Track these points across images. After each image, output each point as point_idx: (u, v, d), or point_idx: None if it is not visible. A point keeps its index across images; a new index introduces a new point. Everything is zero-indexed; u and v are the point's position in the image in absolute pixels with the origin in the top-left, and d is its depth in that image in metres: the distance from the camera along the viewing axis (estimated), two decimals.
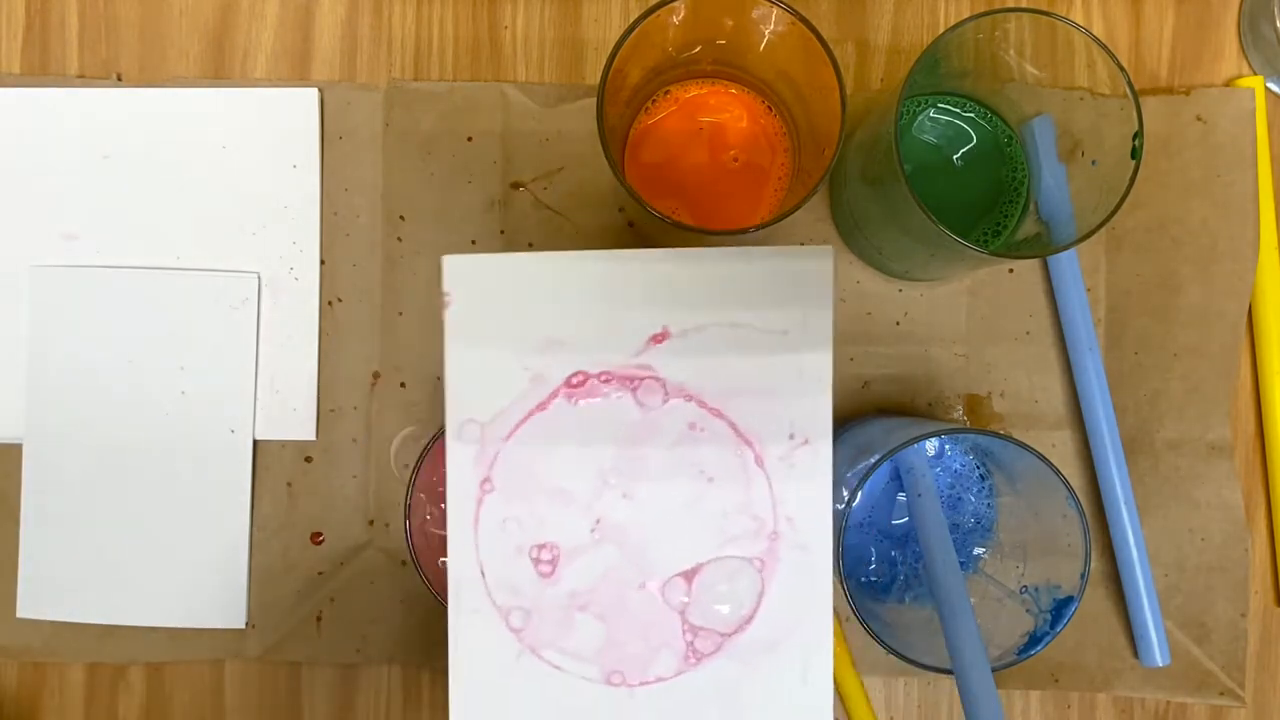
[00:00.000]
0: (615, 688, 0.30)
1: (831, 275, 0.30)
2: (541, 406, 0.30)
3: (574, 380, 0.30)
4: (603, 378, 0.30)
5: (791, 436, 0.30)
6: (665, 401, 0.30)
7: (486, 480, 0.30)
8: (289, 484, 0.44)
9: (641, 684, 0.30)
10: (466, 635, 0.30)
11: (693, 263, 0.30)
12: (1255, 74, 0.45)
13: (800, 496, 0.30)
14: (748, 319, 0.30)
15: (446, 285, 0.30)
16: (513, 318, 0.30)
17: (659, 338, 0.30)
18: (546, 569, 0.30)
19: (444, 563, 0.36)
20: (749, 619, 0.30)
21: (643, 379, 0.30)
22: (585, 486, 0.30)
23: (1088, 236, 0.34)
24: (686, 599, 0.30)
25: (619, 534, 0.30)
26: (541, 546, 0.30)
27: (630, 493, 0.30)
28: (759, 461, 0.30)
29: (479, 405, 0.30)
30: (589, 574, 0.30)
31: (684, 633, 0.30)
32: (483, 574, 0.30)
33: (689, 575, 0.30)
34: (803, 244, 0.44)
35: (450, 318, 0.30)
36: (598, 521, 0.30)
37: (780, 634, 0.30)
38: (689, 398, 0.30)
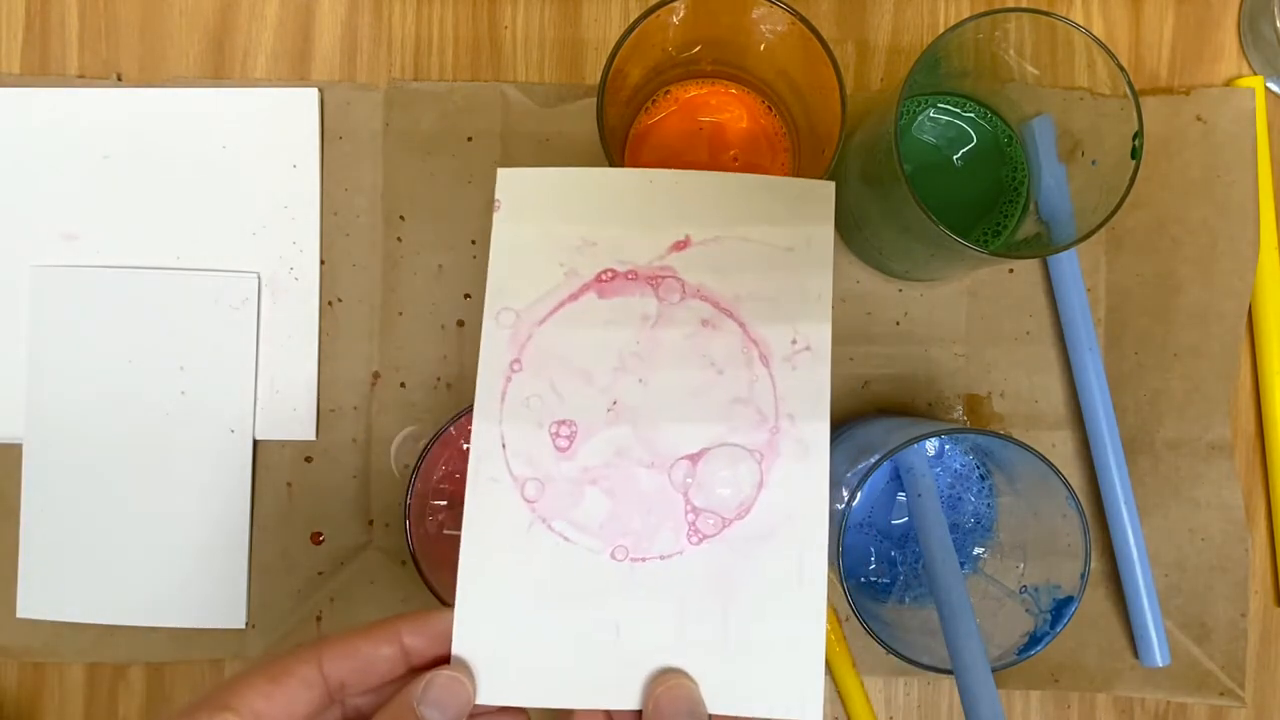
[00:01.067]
0: (619, 562, 0.32)
1: (832, 201, 0.33)
2: (573, 297, 0.33)
3: (604, 276, 0.33)
4: (629, 275, 0.33)
5: (794, 341, 0.33)
6: (682, 299, 0.33)
7: (516, 361, 0.33)
8: (289, 484, 0.44)
9: (644, 559, 0.32)
10: (483, 501, 0.31)
11: (714, 182, 0.34)
12: (1255, 74, 0.45)
13: (801, 395, 0.33)
14: (759, 234, 0.34)
15: (498, 193, 0.34)
16: (553, 221, 0.33)
17: (681, 245, 0.33)
18: (564, 444, 0.32)
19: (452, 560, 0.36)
20: (748, 507, 0.32)
21: (664, 278, 0.33)
22: (605, 370, 0.33)
23: (1088, 236, 0.34)
24: (691, 480, 0.32)
25: (632, 415, 0.32)
26: (561, 423, 0.32)
27: (646, 378, 0.33)
28: (764, 360, 0.33)
29: (516, 294, 0.33)
30: (602, 451, 0.32)
31: (686, 513, 0.32)
32: (504, 445, 0.32)
33: (694, 458, 0.32)
34: None
35: (498, 220, 0.34)
36: (614, 403, 0.32)
37: (777, 524, 0.32)
38: (704, 298, 0.33)
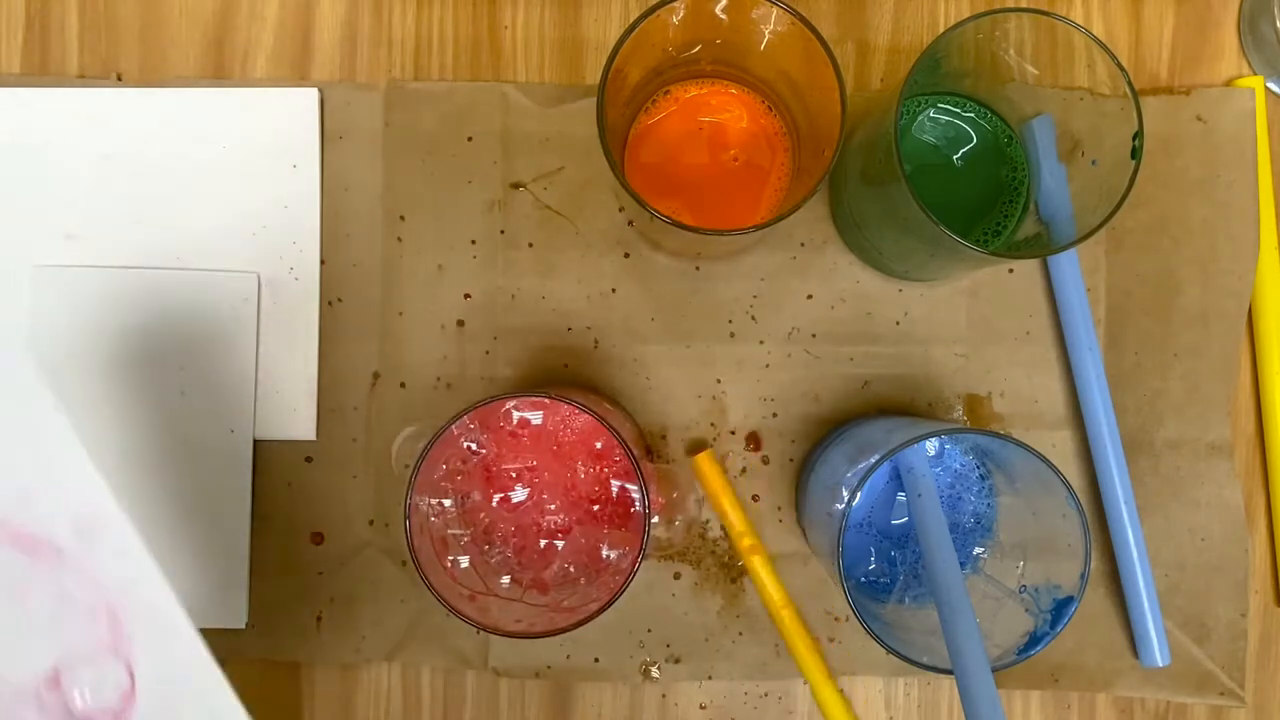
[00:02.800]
0: None
1: (35, 377, 0.29)
2: None
3: None
4: None
5: (73, 522, 0.30)
6: None
7: None
8: (289, 484, 0.44)
9: None
10: None
11: None
12: (1255, 74, 0.45)
13: (119, 568, 0.30)
14: None
15: None
16: None
17: None
18: None
19: (452, 560, 0.36)
20: (131, 691, 0.31)
21: None
22: None
23: (1088, 236, 0.34)
24: (61, 700, 0.30)
25: None
26: None
27: None
28: (56, 554, 0.30)
29: None
30: None
31: None
32: None
33: (53, 682, 0.31)
34: (802, 244, 0.44)
35: None
36: None
37: (168, 689, 0.31)
38: None
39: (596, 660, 0.43)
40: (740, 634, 0.44)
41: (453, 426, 0.34)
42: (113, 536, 0.30)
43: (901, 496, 0.40)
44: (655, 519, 0.39)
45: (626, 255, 0.44)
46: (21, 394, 0.30)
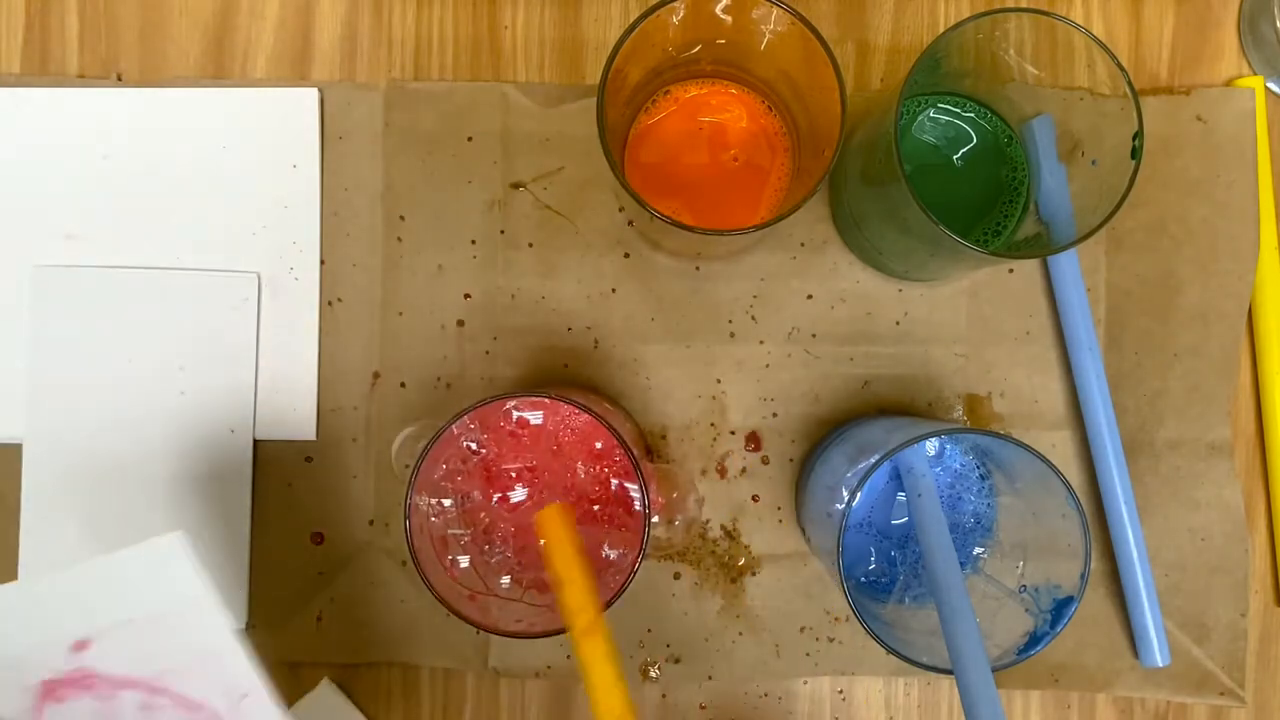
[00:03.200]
0: None
1: (190, 553, 0.34)
2: (38, 710, 0.34)
3: (47, 686, 0.34)
4: (63, 682, 0.34)
5: (230, 693, 0.34)
6: (115, 691, 0.34)
7: None
8: (289, 484, 0.44)
9: None
10: None
11: (71, 581, 0.34)
12: (1255, 74, 0.45)
13: None
14: (136, 612, 0.34)
15: None
16: None
17: (81, 645, 0.34)
18: None
19: (452, 559, 0.36)
20: None
21: (91, 677, 0.34)
22: None
23: (1088, 236, 0.34)
24: None
25: None
26: None
27: None
28: (216, 716, 0.35)
29: None
30: None
31: None
32: None
33: None
34: (802, 244, 0.44)
35: None
36: None
37: None
38: (133, 685, 0.34)
39: None
40: (740, 634, 0.44)
41: (453, 426, 0.34)
42: (259, 709, 0.35)
43: (901, 496, 0.40)
44: (655, 519, 0.39)
45: (626, 255, 0.44)
46: (192, 590, 0.34)
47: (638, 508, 0.37)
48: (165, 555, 0.34)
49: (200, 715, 0.34)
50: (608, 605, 0.33)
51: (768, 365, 0.44)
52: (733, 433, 0.44)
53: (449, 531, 0.38)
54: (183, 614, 0.34)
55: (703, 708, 0.44)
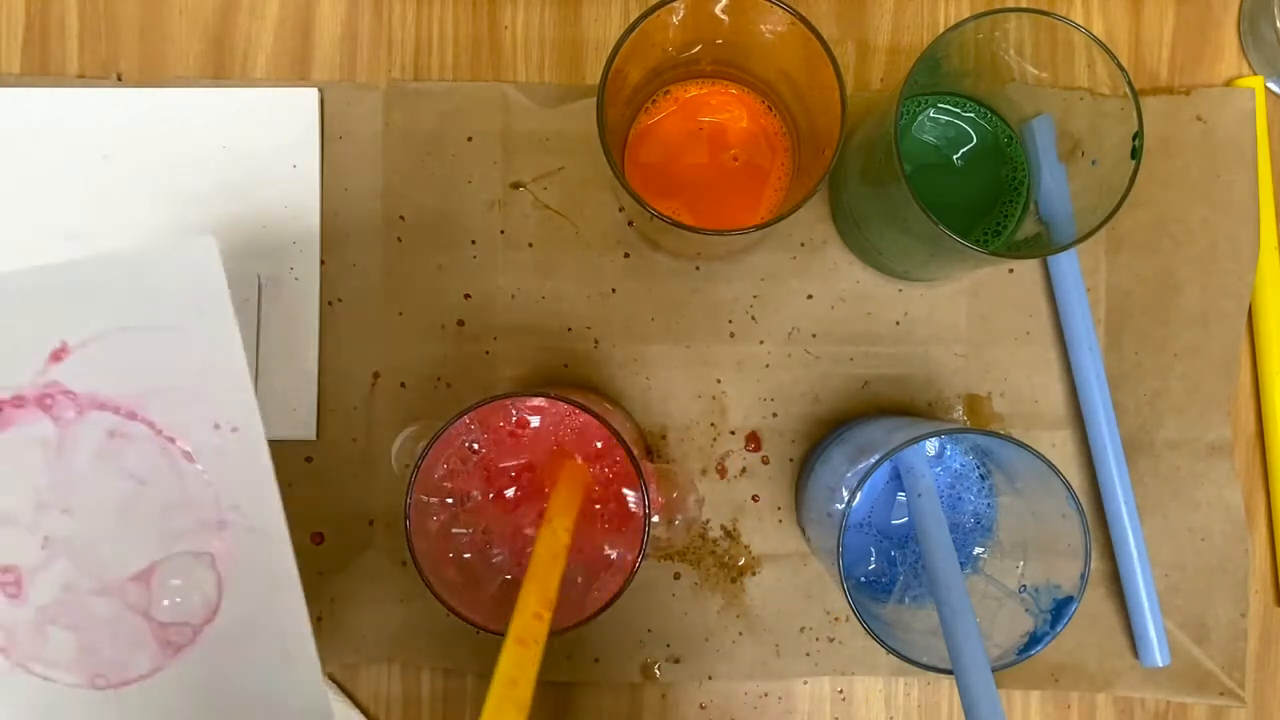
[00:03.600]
0: (102, 690, 0.32)
1: (218, 261, 0.30)
2: None
3: None
4: (15, 403, 0.31)
5: (217, 426, 0.31)
6: (80, 414, 0.31)
7: None
8: (289, 484, 0.44)
9: (123, 683, 0.32)
10: None
11: (71, 274, 0.30)
12: (1255, 74, 0.45)
13: (242, 481, 0.31)
14: (140, 319, 0.30)
15: None
16: None
17: (59, 353, 0.30)
18: (13, 590, 0.31)
19: (452, 559, 0.36)
20: (214, 607, 0.32)
21: (54, 395, 0.31)
22: (26, 508, 0.31)
23: (1088, 236, 0.34)
24: (147, 599, 0.31)
25: (67, 547, 0.31)
26: (3, 571, 0.31)
27: (68, 507, 0.31)
28: (189, 456, 0.31)
29: None
30: (50, 589, 0.31)
31: (152, 630, 0.32)
32: None
33: (144, 577, 0.31)
34: (802, 244, 0.44)
35: None
36: (46, 539, 0.31)
37: (252, 616, 0.32)
38: (103, 406, 0.31)
39: (596, 660, 0.43)
40: (740, 634, 0.44)
41: (453, 426, 0.34)
42: (246, 450, 0.32)
43: (901, 496, 0.40)
44: (655, 519, 0.39)
45: (626, 255, 0.44)
46: (211, 304, 0.31)
47: (638, 508, 0.37)
48: (190, 260, 0.30)
49: (171, 450, 0.31)
50: (607, 605, 0.33)
51: (768, 365, 0.44)
52: (733, 433, 0.44)
53: (451, 530, 0.38)
54: (192, 327, 0.30)
55: (703, 708, 0.44)
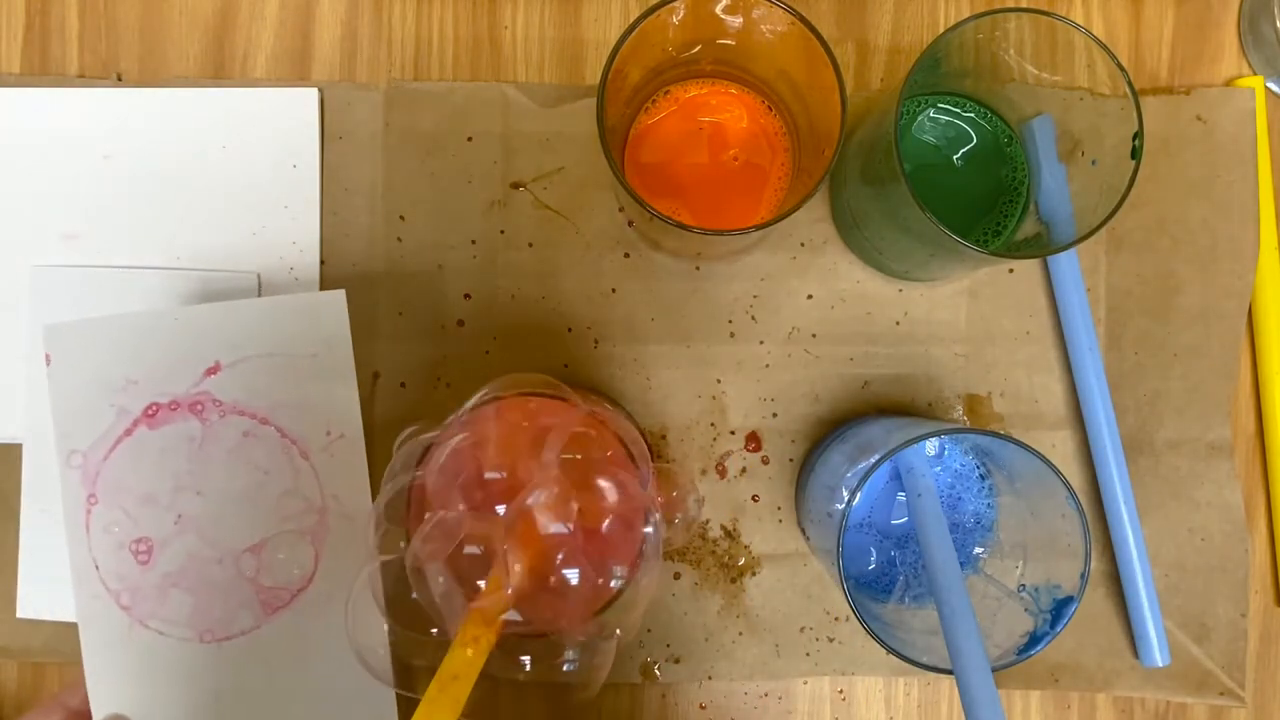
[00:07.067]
0: (208, 644, 0.40)
1: (344, 308, 0.40)
2: (128, 433, 0.39)
3: (149, 410, 0.39)
4: (171, 405, 0.39)
5: (328, 433, 0.40)
6: (223, 417, 0.40)
7: (92, 495, 0.39)
8: None
9: (228, 638, 0.40)
10: (90, 613, 0.39)
11: (234, 310, 0.40)
12: (1255, 74, 0.45)
13: (342, 477, 0.40)
14: (282, 348, 0.40)
15: (46, 348, 0.39)
16: (98, 366, 0.39)
17: (212, 370, 0.40)
18: (144, 558, 0.39)
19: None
20: (309, 577, 0.40)
21: (204, 402, 0.40)
22: (166, 490, 0.39)
23: (1088, 236, 0.34)
24: (257, 567, 0.40)
25: (196, 524, 0.39)
26: (138, 541, 0.39)
27: (203, 490, 0.40)
28: (304, 455, 0.40)
29: (79, 437, 0.39)
30: (177, 558, 0.39)
31: (257, 594, 0.40)
32: (96, 567, 0.39)
33: (256, 549, 0.40)
34: (802, 244, 0.44)
35: (52, 374, 0.39)
36: (179, 517, 0.39)
37: (336, 587, 0.40)
38: (241, 413, 0.40)
39: None
40: (740, 634, 0.44)
41: (452, 427, 0.34)
42: (349, 452, 0.40)
43: (901, 496, 0.40)
44: (657, 517, 0.39)
45: (626, 255, 0.44)
46: (336, 339, 0.40)
47: (637, 507, 0.37)
48: (323, 305, 0.40)
49: (292, 450, 0.40)
50: (608, 604, 0.33)
51: (768, 365, 0.44)
52: (733, 433, 0.44)
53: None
54: (318, 358, 0.40)
55: (703, 708, 0.44)
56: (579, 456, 0.34)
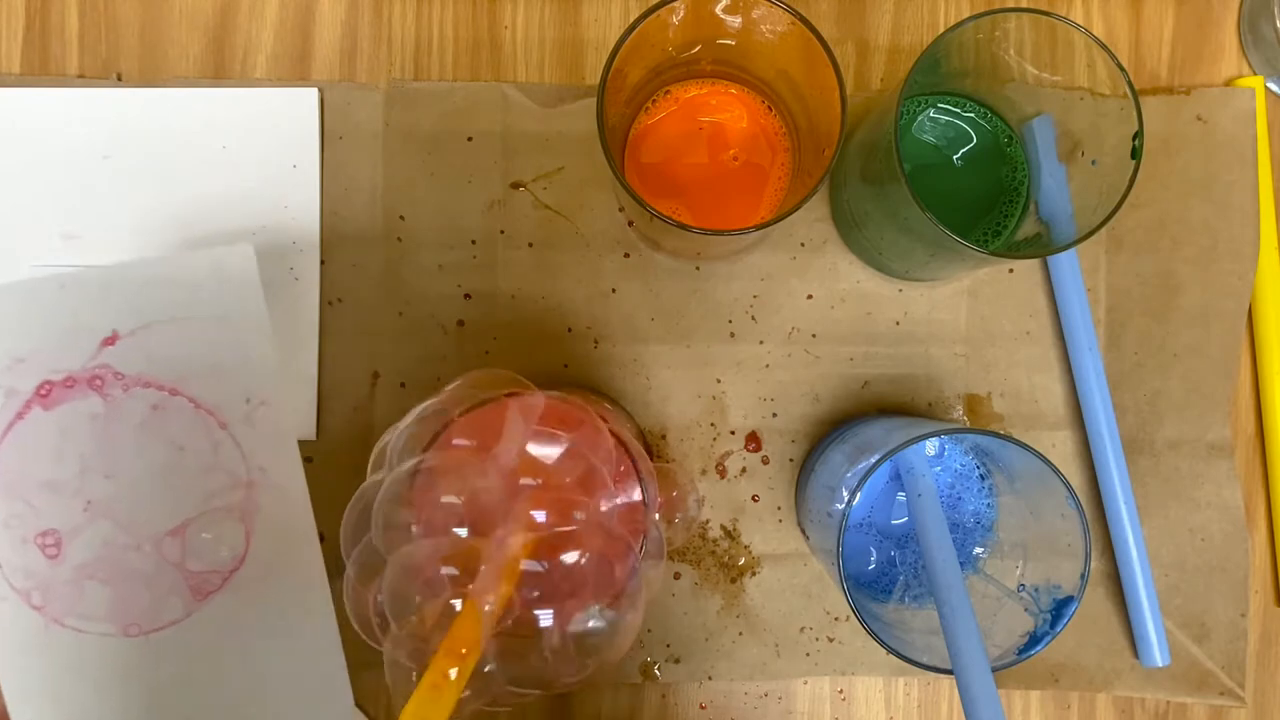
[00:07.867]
0: (134, 638, 0.36)
1: (254, 264, 0.37)
2: (20, 416, 0.36)
3: (42, 390, 0.36)
4: (66, 383, 0.36)
5: (248, 401, 0.37)
6: (126, 391, 0.36)
7: None
8: None
9: (156, 629, 0.37)
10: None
11: (125, 273, 0.36)
12: (1255, 74, 0.45)
13: (268, 447, 0.37)
14: (184, 312, 0.36)
15: None
16: None
17: (109, 340, 0.36)
18: (53, 551, 0.36)
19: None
20: (242, 558, 0.37)
21: (104, 376, 0.36)
22: (70, 475, 0.36)
23: (1088, 236, 0.34)
24: (180, 552, 0.37)
25: (108, 510, 0.36)
26: (44, 534, 0.36)
27: (111, 473, 0.36)
28: (222, 425, 0.37)
29: None
30: (89, 548, 0.36)
31: (185, 580, 0.37)
32: (0, 566, 0.36)
33: (178, 532, 0.37)
34: (802, 244, 0.44)
35: None
36: (88, 503, 0.36)
37: (274, 563, 0.37)
38: (147, 385, 0.36)
39: None
40: (740, 634, 0.44)
41: (451, 427, 0.34)
42: (272, 420, 0.37)
43: (901, 496, 0.40)
44: (655, 518, 0.39)
45: (626, 255, 0.44)
46: (248, 297, 0.37)
47: (637, 507, 0.37)
48: (231, 264, 0.36)
49: (208, 421, 0.36)
50: (609, 604, 0.33)
51: (768, 365, 0.44)
52: (733, 433, 0.44)
53: (457, 529, 0.38)
54: (228, 319, 0.36)
55: (703, 708, 0.44)
56: (540, 482, 0.32)
